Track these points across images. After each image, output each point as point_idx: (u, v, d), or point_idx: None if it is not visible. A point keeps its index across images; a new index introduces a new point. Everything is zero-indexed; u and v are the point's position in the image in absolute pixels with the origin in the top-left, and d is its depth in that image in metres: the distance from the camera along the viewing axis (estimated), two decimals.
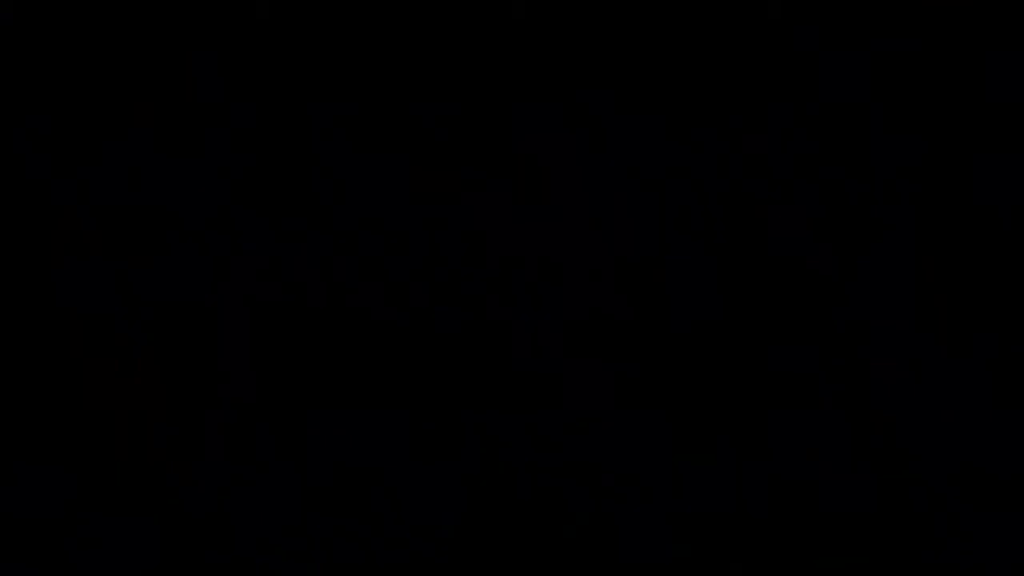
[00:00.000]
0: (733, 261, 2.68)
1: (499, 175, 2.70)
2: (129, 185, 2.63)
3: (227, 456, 2.55)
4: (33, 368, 2.54)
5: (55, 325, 2.55)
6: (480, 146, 2.70)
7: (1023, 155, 2.67)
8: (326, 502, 2.55)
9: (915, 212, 2.68)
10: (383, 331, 2.62)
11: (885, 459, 2.62)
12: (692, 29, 2.73)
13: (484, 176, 2.70)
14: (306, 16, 2.70)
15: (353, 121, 2.69)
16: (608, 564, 2.58)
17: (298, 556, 2.52)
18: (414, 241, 2.66)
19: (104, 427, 2.53)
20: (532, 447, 2.60)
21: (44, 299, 2.55)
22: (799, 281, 2.67)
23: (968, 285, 2.66)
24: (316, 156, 2.67)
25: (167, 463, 2.54)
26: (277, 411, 2.58)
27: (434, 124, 2.70)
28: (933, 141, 2.69)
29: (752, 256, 2.68)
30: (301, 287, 2.62)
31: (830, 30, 2.71)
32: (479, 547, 2.56)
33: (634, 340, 2.66)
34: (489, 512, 2.57)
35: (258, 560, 2.52)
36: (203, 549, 2.50)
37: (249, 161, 2.66)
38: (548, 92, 2.73)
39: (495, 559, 2.56)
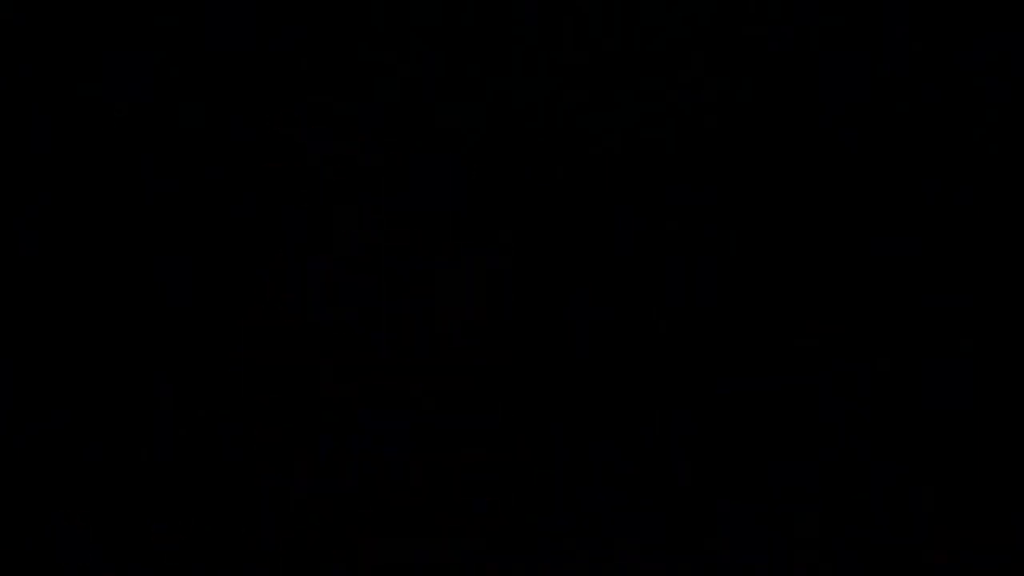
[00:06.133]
0: (733, 260, 2.68)
1: None
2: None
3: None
4: (32, 366, 2.55)
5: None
6: None
7: (1023, 154, 2.67)
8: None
9: (915, 213, 2.68)
10: None
11: (883, 458, 2.63)
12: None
13: None
14: None
15: None
16: None
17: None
18: None
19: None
20: None
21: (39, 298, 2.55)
22: (800, 280, 2.68)
23: (967, 285, 2.67)
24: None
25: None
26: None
27: None
28: (933, 141, 2.69)
29: (752, 255, 2.68)
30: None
31: (830, 30, 2.71)
32: None
33: (633, 339, 2.67)
34: None
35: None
36: (201, 548, 2.51)
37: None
38: None
39: None
